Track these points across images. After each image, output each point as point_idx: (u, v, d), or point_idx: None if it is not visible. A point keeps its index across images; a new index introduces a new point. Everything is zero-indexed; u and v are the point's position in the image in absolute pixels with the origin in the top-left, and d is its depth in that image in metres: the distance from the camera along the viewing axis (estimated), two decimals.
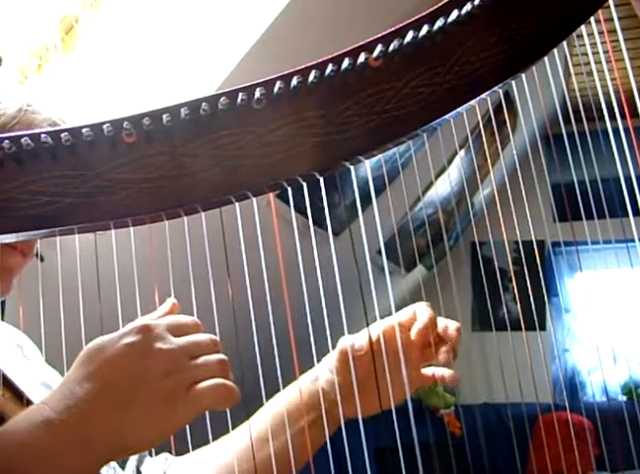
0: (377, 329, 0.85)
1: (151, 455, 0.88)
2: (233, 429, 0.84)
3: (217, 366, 0.58)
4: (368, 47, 0.61)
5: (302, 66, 0.60)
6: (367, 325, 0.82)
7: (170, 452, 0.86)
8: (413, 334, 0.84)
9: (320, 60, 0.60)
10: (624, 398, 4.31)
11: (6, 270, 0.76)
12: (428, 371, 0.86)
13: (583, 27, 0.64)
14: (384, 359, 0.81)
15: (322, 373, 0.87)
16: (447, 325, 0.84)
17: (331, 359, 0.86)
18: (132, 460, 0.87)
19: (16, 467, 0.52)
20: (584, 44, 0.68)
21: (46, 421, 0.54)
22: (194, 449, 0.86)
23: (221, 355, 0.60)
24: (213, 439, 0.82)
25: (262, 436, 0.83)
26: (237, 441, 0.84)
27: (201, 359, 0.58)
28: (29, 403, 0.71)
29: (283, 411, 0.83)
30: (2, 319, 0.92)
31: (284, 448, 0.80)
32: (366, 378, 0.82)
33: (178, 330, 0.59)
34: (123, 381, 0.56)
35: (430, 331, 0.84)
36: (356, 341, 0.84)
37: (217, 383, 0.57)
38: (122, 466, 0.86)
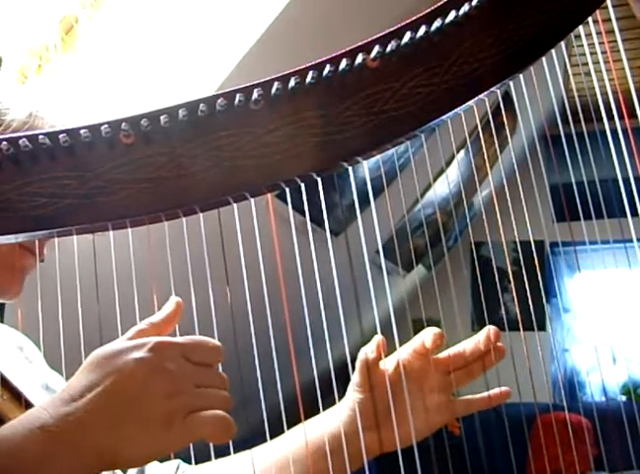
0: (395, 357, 0.85)
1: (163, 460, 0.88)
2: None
3: (222, 401, 0.58)
4: (366, 48, 0.61)
5: (300, 67, 0.60)
6: (361, 326, 0.82)
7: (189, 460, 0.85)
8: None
9: (318, 61, 0.60)
10: (623, 398, 4.31)
11: (20, 271, 0.76)
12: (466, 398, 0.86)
13: (581, 27, 0.64)
14: (404, 387, 0.81)
15: (343, 406, 0.86)
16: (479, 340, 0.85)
17: (354, 377, 0.86)
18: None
19: (7, 472, 0.52)
20: (582, 45, 0.68)
21: (42, 427, 0.53)
22: (194, 452, 0.85)
23: (227, 394, 0.59)
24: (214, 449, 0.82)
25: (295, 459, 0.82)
26: (273, 456, 0.84)
27: (208, 390, 0.57)
28: (27, 404, 0.71)
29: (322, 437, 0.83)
30: (2, 320, 0.92)
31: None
32: (391, 401, 0.81)
33: (194, 354, 0.58)
34: (125, 396, 0.55)
35: (449, 358, 0.85)
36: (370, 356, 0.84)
37: (218, 415, 0.56)
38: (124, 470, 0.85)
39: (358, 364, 0.85)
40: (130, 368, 0.55)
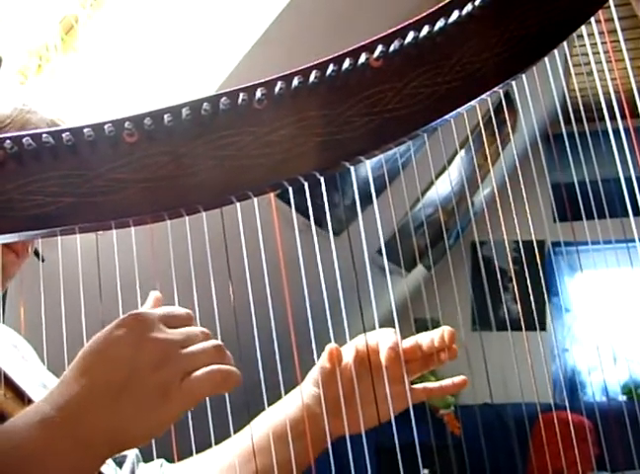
0: (353, 346, 0.86)
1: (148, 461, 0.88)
2: (234, 429, 0.84)
3: (212, 353, 0.58)
4: (369, 48, 0.61)
5: (303, 66, 0.60)
6: (364, 325, 0.82)
7: (171, 457, 0.86)
8: (385, 352, 0.84)
9: (321, 60, 0.60)
10: (624, 398, 4.31)
11: (3, 269, 0.76)
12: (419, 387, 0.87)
13: (583, 27, 0.64)
14: (367, 376, 0.82)
15: (306, 387, 0.87)
16: (435, 335, 0.85)
17: (314, 372, 0.87)
18: (127, 467, 0.86)
19: (13, 469, 0.52)
20: (584, 45, 0.68)
21: (44, 420, 0.54)
22: (197, 452, 0.86)
23: (215, 341, 0.59)
24: (216, 440, 0.82)
25: (259, 448, 0.83)
26: (236, 449, 0.84)
27: (194, 347, 0.57)
28: (30, 402, 0.71)
29: (284, 424, 0.84)
30: (3, 320, 0.92)
31: (284, 459, 0.80)
32: (350, 394, 0.82)
33: (171, 321, 0.59)
34: (116, 374, 0.55)
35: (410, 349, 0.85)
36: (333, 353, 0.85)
37: (212, 369, 0.57)
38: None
39: (319, 365, 0.86)
40: (115, 345, 0.56)
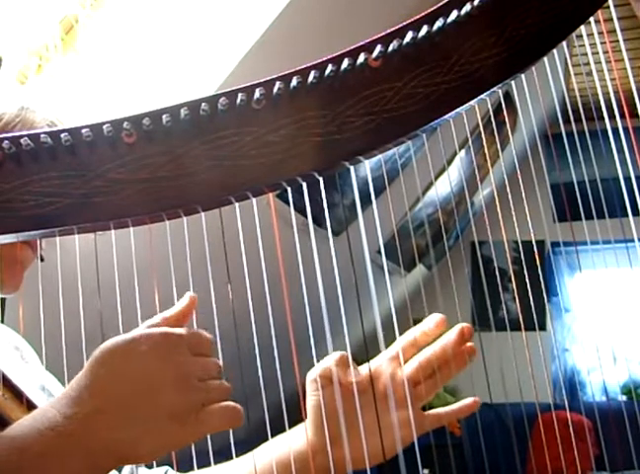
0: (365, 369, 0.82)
1: (151, 467, 0.88)
2: (233, 433, 0.83)
3: (225, 390, 0.58)
4: (368, 48, 0.61)
5: (302, 66, 0.60)
6: (363, 326, 0.81)
7: (171, 465, 0.85)
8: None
9: (320, 61, 0.60)
10: (624, 398, 4.31)
11: (20, 263, 0.76)
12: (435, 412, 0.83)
13: (582, 27, 0.64)
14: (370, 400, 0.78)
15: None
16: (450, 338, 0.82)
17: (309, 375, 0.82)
18: (126, 469, 0.86)
19: (18, 470, 0.51)
20: (583, 45, 0.68)
21: (53, 427, 0.53)
22: (196, 454, 0.85)
23: (225, 382, 0.59)
24: (213, 445, 0.82)
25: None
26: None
27: (213, 383, 0.58)
28: (29, 403, 0.71)
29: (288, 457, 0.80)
30: (2, 320, 0.92)
31: None
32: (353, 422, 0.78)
33: (196, 346, 0.58)
34: (133, 390, 0.55)
35: (418, 370, 0.81)
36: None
37: (228, 406, 0.57)
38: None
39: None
40: (137, 362, 0.55)
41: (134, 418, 0.54)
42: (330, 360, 0.81)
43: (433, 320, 0.83)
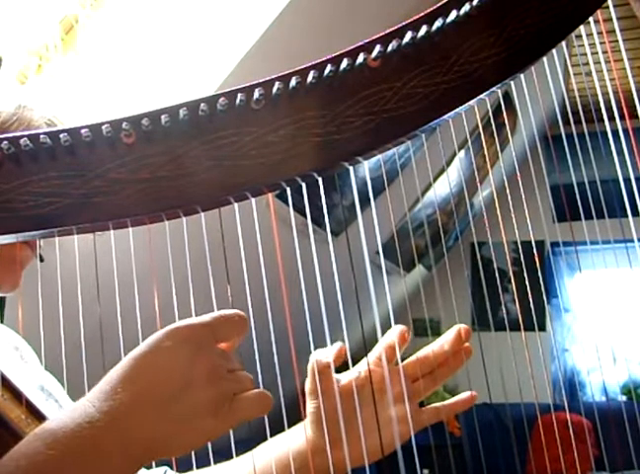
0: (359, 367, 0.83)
1: (150, 467, 0.88)
2: (233, 433, 0.83)
3: (250, 380, 0.59)
4: (367, 48, 0.61)
5: (301, 67, 0.60)
6: (362, 326, 0.81)
7: (170, 466, 0.85)
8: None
9: (319, 61, 0.60)
10: (624, 398, 4.31)
11: (19, 263, 0.76)
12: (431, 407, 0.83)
13: (582, 27, 0.64)
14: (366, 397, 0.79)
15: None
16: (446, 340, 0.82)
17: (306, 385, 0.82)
18: None
19: (54, 464, 0.52)
20: (583, 45, 0.68)
21: (90, 422, 0.53)
22: (195, 455, 0.85)
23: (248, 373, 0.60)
24: (213, 446, 0.82)
25: None
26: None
27: (242, 372, 0.59)
28: (28, 403, 0.71)
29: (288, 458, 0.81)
30: (2, 320, 0.92)
31: None
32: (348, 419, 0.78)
33: (223, 333, 0.59)
34: (167, 385, 0.55)
35: (416, 365, 0.82)
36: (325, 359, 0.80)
37: (260, 394, 0.58)
38: None
39: (309, 371, 0.82)
40: (169, 358, 0.56)
41: (169, 413, 0.55)
42: (328, 353, 0.81)
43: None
